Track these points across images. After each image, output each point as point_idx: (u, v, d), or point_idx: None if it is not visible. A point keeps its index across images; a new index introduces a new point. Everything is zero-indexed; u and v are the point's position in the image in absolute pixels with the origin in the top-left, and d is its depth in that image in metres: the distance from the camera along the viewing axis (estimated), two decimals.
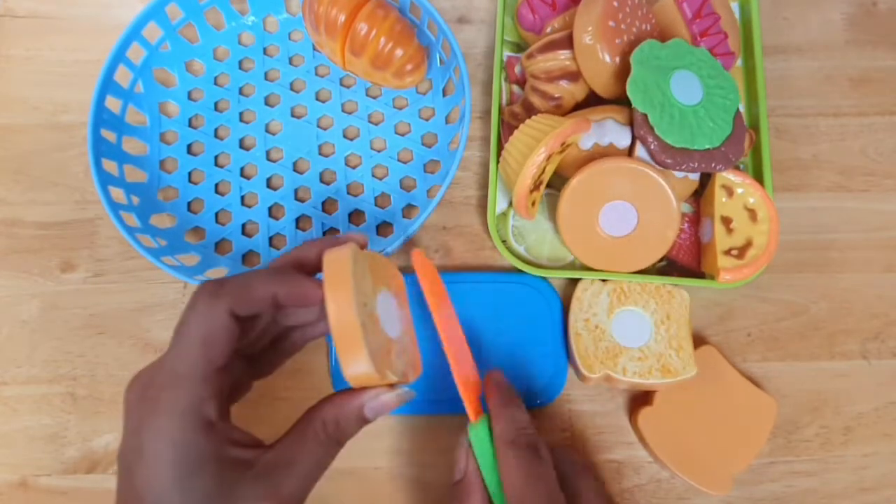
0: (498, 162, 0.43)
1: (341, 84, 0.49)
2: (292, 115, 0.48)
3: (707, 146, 0.39)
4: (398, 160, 0.47)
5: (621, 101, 0.40)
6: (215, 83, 0.49)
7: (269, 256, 0.45)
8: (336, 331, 0.27)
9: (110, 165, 0.44)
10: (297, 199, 0.46)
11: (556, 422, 0.41)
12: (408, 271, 0.39)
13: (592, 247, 0.40)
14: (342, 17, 0.43)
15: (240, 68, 0.49)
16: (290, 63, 0.50)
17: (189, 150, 0.47)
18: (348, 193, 0.46)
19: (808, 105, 0.48)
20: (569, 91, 0.42)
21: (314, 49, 0.50)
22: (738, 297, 0.44)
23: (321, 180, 0.47)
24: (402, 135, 0.48)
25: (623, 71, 0.39)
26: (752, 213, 0.40)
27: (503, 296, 0.42)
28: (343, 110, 0.48)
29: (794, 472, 0.41)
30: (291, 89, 0.49)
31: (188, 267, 0.42)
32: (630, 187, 0.39)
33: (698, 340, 0.42)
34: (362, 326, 0.27)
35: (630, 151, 0.41)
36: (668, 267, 0.43)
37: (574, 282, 0.42)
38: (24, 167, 0.47)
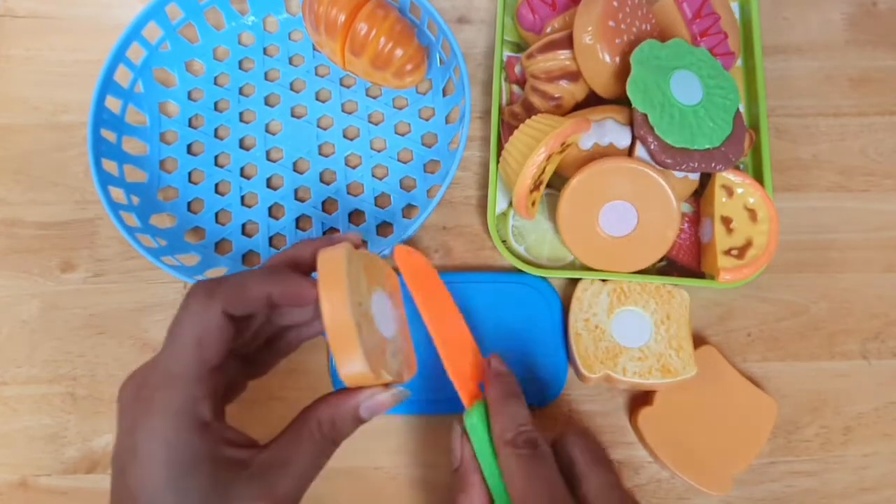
0: (498, 162, 0.43)
1: (341, 84, 0.49)
2: (292, 115, 0.48)
3: (707, 146, 0.39)
4: (398, 160, 0.47)
5: (621, 101, 0.40)
6: (215, 83, 0.49)
7: (268, 256, 0.45)
8: (331, 330, 0.27)
9: (110, 165, 0.44)
10: (297, 199, 0.46)
11: (556, 422, 0.41)
12: None
13: (592, 247, 0.40)
14: (342, 17, 0.43)
15: (240, 68, 0.49)
16: (290, 63, 0.50)
17: (189, 150, 0.47)
18: (348, 193, 0.46)
19: (808, 105, 0.48)
20: (569, 91, 0.42)
21: (314, 49, 0.50)
22: (738, 297, 0.44)
23: (321, 180, 0.47)
24: (402, 135, 0.48)
25: (623, 71, 0.39)
26: (752, 213, 0.40)
27: (503, 296, 0.42)
28: (343, 110, 0.48)
29: (794, 472, 0.41)
30: (291, 89, 0.49)
31: (188, 267, 0.42)
32: (630, 187, 0.39)
33: (698, 340, 0.42)
34: (357, 326, 0.27)
35: (630, 151, 0.41)
36: (668, 267, 0.43)
37: (574, 282, 0.42)
38: (24, 167, 0.47)
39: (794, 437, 0.41)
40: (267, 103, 0.48)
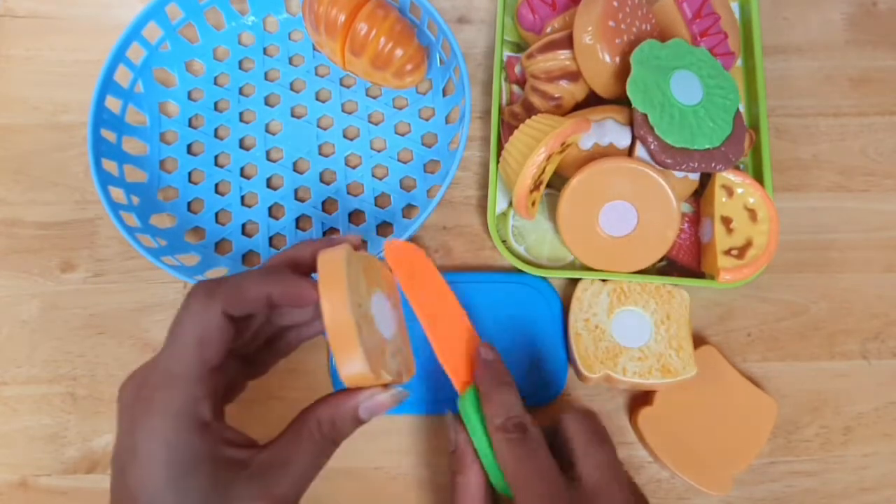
0: (498, 162, 0.43)
1: (341, 84, 0.49)
2: (292, 115, 0.48)
3: (707, 146, 0.39)
4: (398, 160, 0.47)
5: (621, 101, 0.40)
6: (215, 83, 0.49)
7: (268, 256, 0.45)
8: (331, 330, 0.27)
9: (110, 165, 0.44)
10: (297, 199, 0.46)
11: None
12: None
13: (592, 247, 0.40)
14: (342, 17, 0.43)
15: (240, 68, 0.49)
16: (290, 63, 0.50)
17: (189, 150, 0.47)
18: (348, 193, 0.46)
19: (808, 105, 0.48)
20: (569, 91, 0.42)
21: (314, 49, 0.50)
22: (738, 297, 0.44)
23: (321, 180, 0.47)
24: (402, 135, 0.48)
25: (623, 71, 0.39)
26: (752, 213, 0.40)
27: (503, 296, 0.42)
28: (343, 110, 0.48)
29: (794, 472, 0.41)
30: (291, 89, 0.49)
31: (188, 267, 0.42)
32: (630, 187, 0.39)
33: (698, 340, 0.42)
34: (357, 326, 0.27)
35: (630, 151, 0.41)
36: (668, 267, 0.43)
37: (574, 282, 0.42)
38: (24, 167, 0.47)
39: (794, 437, 0.41)
40: (267, 103, 0.48)
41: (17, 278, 0.44)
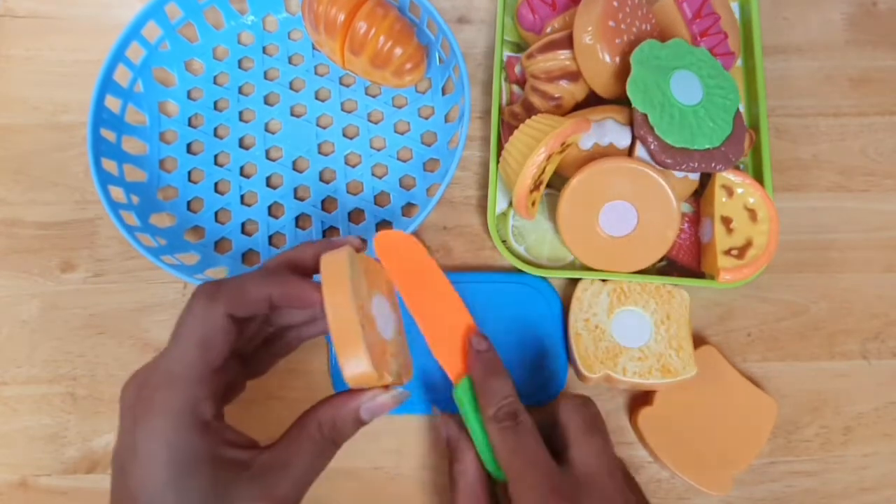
0: (498, 162, 0.43)
1: (341, 83, 0.49)
2: (292, 114, 0.48)
3: (707, 146, 0.39)
4: (398, 159, 0.47)
5: (621, 101, 0.40)
6: (215, 82, 0.49)
7: (268, 255, 0.45)
8: (335, 331, 0.28)
9: (110, 165, 0.44)
10: (296, 197, 0.46)
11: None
12: None
13: (592, 247, 0.40)
14: (341, 16, 0.43)
15: (239, 67, 0.49)
16: (290, 62, 0.50)
17: (189, 149, 0.47)
18: (348, 192, 0.46)
19: (808, 105, 0.48)
20: (569, 91, 0.42)
21: (314, 48, 0.50)
22: (738, 297, 0.44)
23: (321, 179, 0.47)
24: (402, 133, 0.48)
25: (623, 71, 0.39)
26: (752, 213, 0.40)
27: (503, 296, 0.42)
28: (342, 109, 0.48)
29: (794, 472, 0.41)
30: (291, 88, 0.49)
31: (188, 266, 0.42)
32: (630, 187, 0.39)
33: (698, 340, 0.42)
34: (361, 327, 0.27)
35: (630, 151, 0.40)
36: (668, 267, 0.43)
37: (574, 282, 0.42)
38: (24, 167, 0.47)
39: (794, 437, 0.41)
40: (266, 102, 0.48)
41: (17, 278, 0.44)
